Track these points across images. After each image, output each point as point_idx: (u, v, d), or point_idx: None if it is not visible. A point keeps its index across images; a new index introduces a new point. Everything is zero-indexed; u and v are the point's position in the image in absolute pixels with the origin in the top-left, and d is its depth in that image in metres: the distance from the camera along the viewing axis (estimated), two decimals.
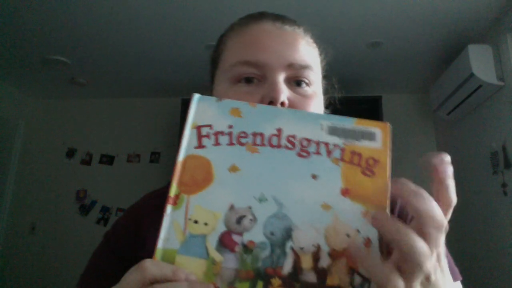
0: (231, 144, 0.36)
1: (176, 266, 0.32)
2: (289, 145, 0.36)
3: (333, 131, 0.37)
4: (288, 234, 0.34)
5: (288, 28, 0.56)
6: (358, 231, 0.34)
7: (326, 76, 0.62)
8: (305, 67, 0.53)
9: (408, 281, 0.30)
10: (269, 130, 0.37)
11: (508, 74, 2.14)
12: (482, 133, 2.48)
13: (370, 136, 0.36)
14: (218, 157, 0.36)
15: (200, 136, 0.37)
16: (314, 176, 0.35)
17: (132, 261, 0.34)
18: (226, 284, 0.33)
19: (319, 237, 0.34)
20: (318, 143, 0.36)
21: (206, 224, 0.34)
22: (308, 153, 0.36)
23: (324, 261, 0.33)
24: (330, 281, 0.33)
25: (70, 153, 3.50)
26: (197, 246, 0.33)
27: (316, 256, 0.33)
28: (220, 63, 0.58)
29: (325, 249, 0.34)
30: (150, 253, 0.33)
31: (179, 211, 0.34)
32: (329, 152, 0.36)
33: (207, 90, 0.61)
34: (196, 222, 0.34)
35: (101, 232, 0.61)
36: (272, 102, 0.49)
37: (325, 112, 0.58)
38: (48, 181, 3.43)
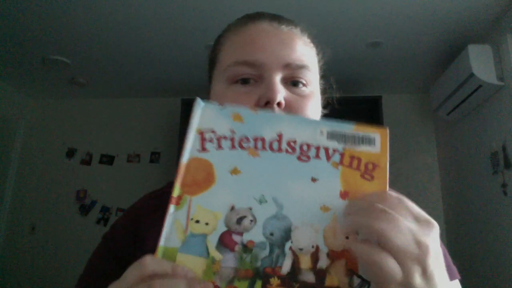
0: (233, 148, 0.37)
1: (176, 264, 0.33)
2: (290, 150, 0.37)
3: (332, 136, 0.37)
4: (287, 234, 0.35)
5: (285, 28, 0.56)
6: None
7: (325, 76, 0.61)
8: (302, 67, 0.53)
9: (405, 271, 0.31)
10: (270, 135, 0.38)
11: (508, 74, 2.14)
12: (482, 133, 2.48)
13: (369, 141, 0.37)
14: (220, 160, 0.37)
15: (203, 140, 0.38)
16: (313, 179, 0.36)
17: (131, 262, 0.34)
18: (225, 283, 0.33)
19: (318, 238, 0.34)
20: (318, 148, 0.37)
21: (207, 224, 0.35)
22: (308, 157, 0.37)
23: (323, 262, 0.34)
24: (329, 281, 0.33)
25: (70, 153, 3.50)
26: (197, 245, 0.34)
27: (315, 257, 0.34)
28: (217, 63, 0.58)
29: (324, 250, 0.34)
30: (149, 253, 0.34)
31: (181, 211, 0.35)
32: (328, 157, 0.37)
33: (207, 90, 0.61)
34: (197, 222, 0.35)
35: (101, 232, 0.61)
36: (268, 103, 0.49)
37: (322, 112, 0.58)
38: (48, 181, 3.43)
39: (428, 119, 3.27)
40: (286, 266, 0.34)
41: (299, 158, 0.37)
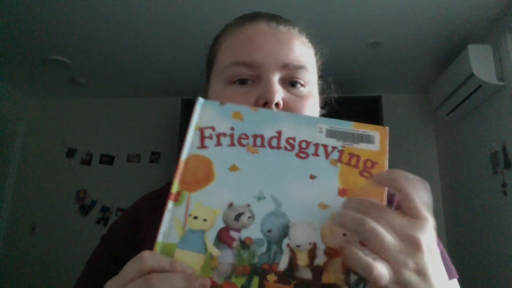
0: (232, 145, 0.38)
1: (174, 259, 0.33)
2: (288, 147, 0.37)
3: (331, 133, 0.38)
4: (285, 231, 0.35)
5: (282, 28, 0.56)
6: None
7: (323, 76, 0.61)
8: (300, 67, 0.53)
9: (396, 269, 0.31)
10: (269, 133, 0.38)
11: (508, 74, 2.14)
12: (482, 133, 2.48)
13: (369, 139, 0.37)
14: (219, 157, 0.37)
15: (203, 137, 0.38)
16: (312, 177, 0.36)
17: None
18: (222, 279, 0.33)
19: (315, 236, 0.34)
20: (316, 145, 0.37)
21: (205, 220, 0.35)
22: (306, 154, 0.37)
23: (320, 259, 0.34)
24: (325, 278, 0.33)
25: (70, 153, 3.50)
26: (196, 241, 0.34)
27: (312, 254, 0.34)
28: (215, 63, 0.57)
29: (321, 247, 0.34)
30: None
31: (180, 207, 0.35)
32: (327, 154, 0.37)
33: (205, 90, 0.61)
34: (195, 218, 0.35)
35: (101, 232, 0.61)
36: (267, 103, 0.49)
37: (320, 112, 0.58)
38: (48, 181, 3.43)
39: (428, 119, 3.27)
40: (283, 263, 0.34)
41: (297, 156, 0.37)
